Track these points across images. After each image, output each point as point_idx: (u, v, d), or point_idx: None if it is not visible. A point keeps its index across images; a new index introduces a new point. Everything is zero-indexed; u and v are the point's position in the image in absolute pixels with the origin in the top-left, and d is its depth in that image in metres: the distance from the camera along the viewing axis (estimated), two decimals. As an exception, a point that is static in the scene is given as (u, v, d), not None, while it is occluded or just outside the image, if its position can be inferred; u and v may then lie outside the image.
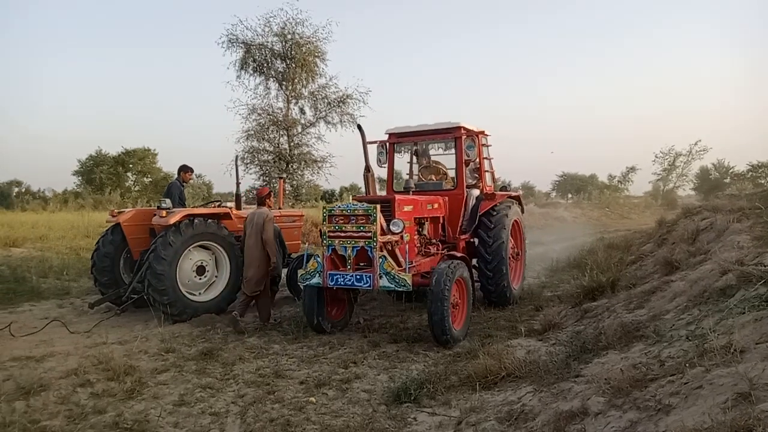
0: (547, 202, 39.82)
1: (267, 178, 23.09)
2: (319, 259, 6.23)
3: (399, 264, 6.04)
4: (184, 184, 9.02)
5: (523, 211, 9.19)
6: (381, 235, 5.99)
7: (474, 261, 7.84)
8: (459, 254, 6.73)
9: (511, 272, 8.06)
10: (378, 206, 6.01)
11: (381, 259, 5.85)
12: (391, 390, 4.56)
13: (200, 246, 7.73)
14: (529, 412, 3.53)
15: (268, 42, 22.55)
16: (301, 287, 6.60)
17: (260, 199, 7.61)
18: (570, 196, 51.93)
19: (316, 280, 6.20)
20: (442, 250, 7.41)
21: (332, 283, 6.10)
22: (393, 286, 5.79)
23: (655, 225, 11.92)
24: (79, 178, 36.61)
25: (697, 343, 3.30)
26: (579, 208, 35.50)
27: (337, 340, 6.26)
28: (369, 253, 5.97)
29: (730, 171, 49.36)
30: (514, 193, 8.99)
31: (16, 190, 39.76)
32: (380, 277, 5.82)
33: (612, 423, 2.84)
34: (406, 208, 6.65)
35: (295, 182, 23.36)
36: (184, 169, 8.99)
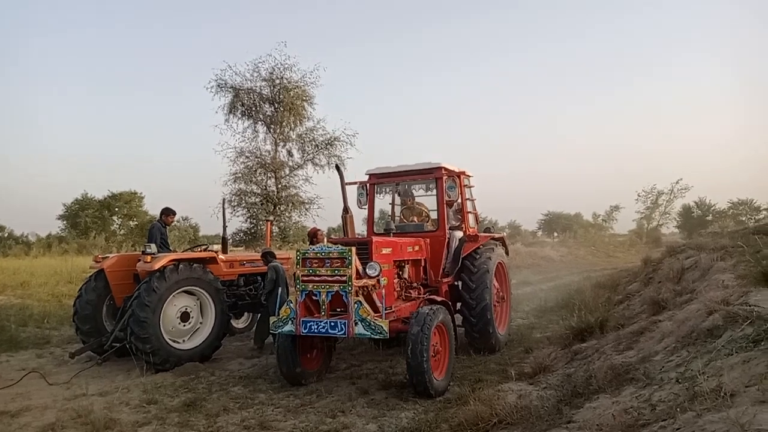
0: (533, 240, 40.06)
1: (254, 221, 23.01)
2: (292, 305, 5.97)
3: (376, 309, 5.78)
4: (167, 226, 8.94)
5: (507, 253, 9.14)
6: (356, 279, 5.71)
7: (458, 305, 7.75)
8: (440, 299, 6.58)
9: (496, 317, 7.86)
10: (353, 249, 5.79)
11: (356, 305, 5.60)
12: (381, 439, 4.44)
13: (185, 291, 7.61)
14: (522, 460, 3.45)
15: (256, 86, 22.85)
16: (273, 336, 6.33)
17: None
18: (556, 234, 52.36)
19: (288, 327, 5.90)
20: (424, 293, 7.24)
21: (305, 331, 5.80)
22: (369, 333, 5.53)
23: (641, 263, 12.03)
24: (64, 222, 36.27)
25: (687, 386, 3.27)
26: (565, 246, 35.70)
27: (324, 388, 6.12)
28: (344, 298, 5.72)
29: (712, 208, 50.23)
30: (497, 235, 8.97)
31: (-1, 235, 39.18)
32: (355, 323, 5.56)
33: (605, 472, 2.78)
34: (384, 251, 6.49)
35: (282, 224, 23.29)
36: (166, 212, 8.89)
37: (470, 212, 8.46)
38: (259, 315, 8.89)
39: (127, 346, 7.20)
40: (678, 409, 3.00)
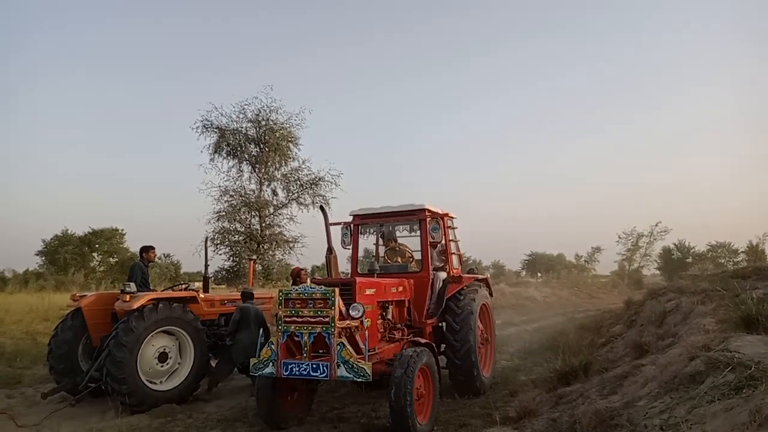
0: (517, 281, 40.16)
1: (237, 259, 22.84)
2: (272, 346, 5.85)
3: (359, 351, 5.68)
4: (149, 263, 8.82)
5: (491, 294, 9.14)
6: (339, 320, 5.63)
7: (442, 347, 7.68)
8: (423, 340, 6.53)
9: (480, 359, 7.81)
10: (337, 289, 5.73)
11: (339, 347, 5.51)
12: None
13: (164, 331, 7.47)
14: None
15: (242, 127, 23.11)
16: (252, 378, 6.20)
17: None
18: (539, 275, 52.60)
19: (269, 369, 5.77)
20: (408, 335, 7.18)
21: (287, 373, 5.68)
22: (351, 376, 5.43)
23: (624, 306, 12.09)
24: (43, 258, 35.62)
25: (671, 433, 3.27)
26: (549, 287, 35.83)
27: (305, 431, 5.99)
28: (327, 339, 5.63)
29: (692, 251, 50.97)
30: (481, 276, 8.99)
31: (-27, 269, 38.25)
32: (338, 366, 5.46)
33: None
34: (368, 291, 6.45)
35: (266, 262, 23.14)
36: (146, 250, 8.78)
37: (454, 253, 8.52)
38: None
39: (103, 386, 7.00)
40: (662, 457, 2.99)
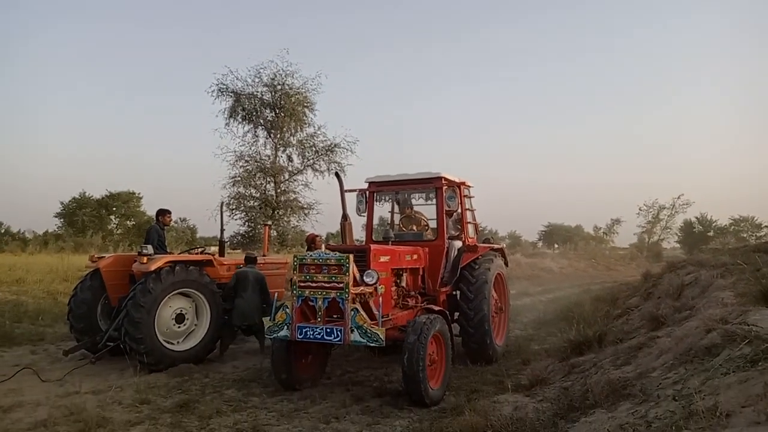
0: (533, 252, 40.00)
1: (252, 224, 22.99)
2: (288, 310, 5.94)
3: (372, 317, 5.74)
4: (165, 227, 8.91)
5: (507, 264, 9.09)
6: (354, 286, 5.70)
7: (455, 315, 7.71)
8: (437, 308, 6.55)
9: (494, 328, 7.81)
10: (351, 256, 5.77)
11: (353, 312, 5.57)
12: (373, 448, 4.40)
13: (180, 293, 7.58)
14: (516, 474, 3.41)
15: (257, 92, 22.91)
16: (269, 340, 6.32)
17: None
18: (556, 246, 52.37)
19: (284, 332, 5.86)
20: (422, 302, 7.21)
21: (301, 336, 5.78)
22: (365, 341, 5.50)
23: (641, 278, 11.99)
24: (61, 220, 36.28)
25: (684, 404, 3.24)
26: (565, 258, 35.68)
27: (318, 394, 6.08)
28: (340, 305, 5.69)
29: (713, 224, 50.28)
30: (497, 246, 8.94)
31: (-4, 230, 39.16)
32: (352, 331, 5.54)
33: (600, 489, 2.75)
34: (383, 259, 6.46)
35: (280, 228, 23.27)
36: (162, 213, 8.86)
37: (470, 222, 8.45)
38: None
39: (121, 345, 7.17)
40: (674, 427, 2.97)
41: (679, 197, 48.34)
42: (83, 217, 34.65)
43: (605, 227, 55.03)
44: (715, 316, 4.71)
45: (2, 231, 38.84)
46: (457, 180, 8.13)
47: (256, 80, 22.84)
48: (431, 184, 8.00)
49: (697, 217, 50.83)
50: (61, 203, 36.52)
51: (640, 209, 50.21)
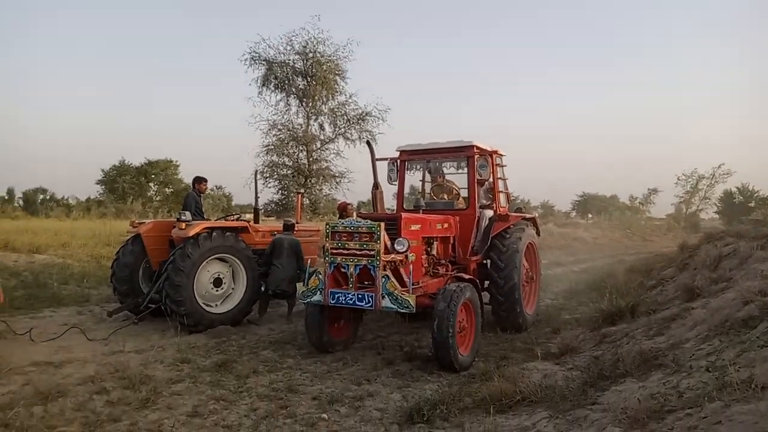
0: (566, 221, 39.43)
1: (285, 192, 23.28)
2: (321, 276, 6.09)
3: (403, 284, 5.84)
4: (201, 194, 9.12)
5: (538, 234, 9.00)
6: (385, 254, 5.78)
7: (486, 283, 7.74)
8: (467, 276, 6.58)
9: (524, 297, 7.82)
10: (382, 224, 5.83)
11: (384, 279, 5.67)
12: (404, 409, 4.53)
13: (218, 258, 7.80)
14: (544, 438, 3.47)
15: (289, 60, 22.91)
16: (303, 304, 6.49)
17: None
18: (590, 216, 51.48)
19: (317, 297, 6.04)
20: (452, 271, 7.25)
21: (333, 302, 5.94)
22: (395, 307, 5.61)
23: (677, 249, 11.73)
24: (102, 187, 37.36)
25: (717, 375, 3.23)
26: (599, 228, 35.10)
27: (351, 357, 6.25)
28: (372, 272, 5.79)
29: (755, 195, 48.50)
30: (529, 215, 8.85)
31: (41, 197, 40.67)
32: (383, 297, 5.64)
33: (628, 454, 2.78)
34: (413, 227, 6.49)
35: (313, 197, 23.50)
36: (198, 180, 9.06)
37: (502, 191, 8.36)
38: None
39: (162, 307, 7.46)
40: (706, 398, 2.97)
41: (719, 167, 46.73)
42: (123, 184, 35.59)
43: (642, 197, 53.70)
44: (754, 288, 4.62)
45: (47, 197, 40.34)
46: (489, 148, 8.01)
47: (288, 48, 22.84)
48: (463, 153, 7.92)
49: (737, 188, 49.13)
50: (102, 170, 37.58)
51: (678, 179, 48.79)
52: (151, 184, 38.59)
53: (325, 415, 4.47)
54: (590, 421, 3.43)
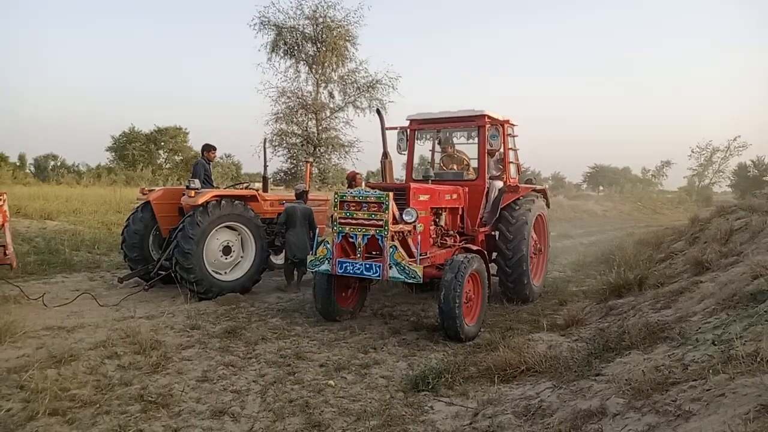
0: (577, 194, 39.21)
1: (294, 161, 23.22)
2: (329, 245, 6.10)
3: (411, 254, 5.85)
4: (210, 162, 9.12)
5: (548, 206, 8.94)
6: (393, 224, 5.77)
7: (494, 255, 7.73)
8: (475, 247, 6.58)
9: (532, 269, 7.81)
10: (391, 194, 5.80)
11: (391, 249, 5.67)
12: (410, 377, 4.59)
13: (227, 227, 7.85)
14: (547, 408, 3.51)
15: (299, 25, 22.52)
16: (311, 273, 6.53)
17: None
18: (601, 188, 51.10)
19: (324, 266, 6.05)
20: (460, 242, 7.23)
21: (341, 271, 5.96)
22: (403, 277, 5.62)
23: (688, 222, 11.64)
24: (113, 154, 37.48)
25: (723, 348, 3.23)
26: (610, 201, 34.88)
27: (357, 325, 6.31)
28: (380, 242, 5.79)
29: (770, 169, 47.80)
30: (539, 187, 8.77)
31: (52, 163, 41.01)
32: (390, 267, 5.66)
33: (630, 425, 2.81)
34: (422, 197, 6.46)
35: (322, 166, 23.43)
36: (207, 148, 9.06)
37: (512, 162, 8.27)
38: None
39: (173, 274, 7.55)
40: (710, 371, 2.97)
41: (734, 139, 45.97)
42: (133, 151, 35.65)
43: (654, 169, 53.13)
44: (764, 262, 4.59)
45: (58, 164, 40.61)
46: (500, 118, 7.89)
47: (298, 12, 22.42)
48: (474, 123, 7.82)
49: (752, 161, 48.38)
50: (112, 137, 37.63)
51: (692, 151, 48.12)
52: (161, 152, 38.62)
53: (331, 382, 4.54)
54: (594, 392, 3.45)
